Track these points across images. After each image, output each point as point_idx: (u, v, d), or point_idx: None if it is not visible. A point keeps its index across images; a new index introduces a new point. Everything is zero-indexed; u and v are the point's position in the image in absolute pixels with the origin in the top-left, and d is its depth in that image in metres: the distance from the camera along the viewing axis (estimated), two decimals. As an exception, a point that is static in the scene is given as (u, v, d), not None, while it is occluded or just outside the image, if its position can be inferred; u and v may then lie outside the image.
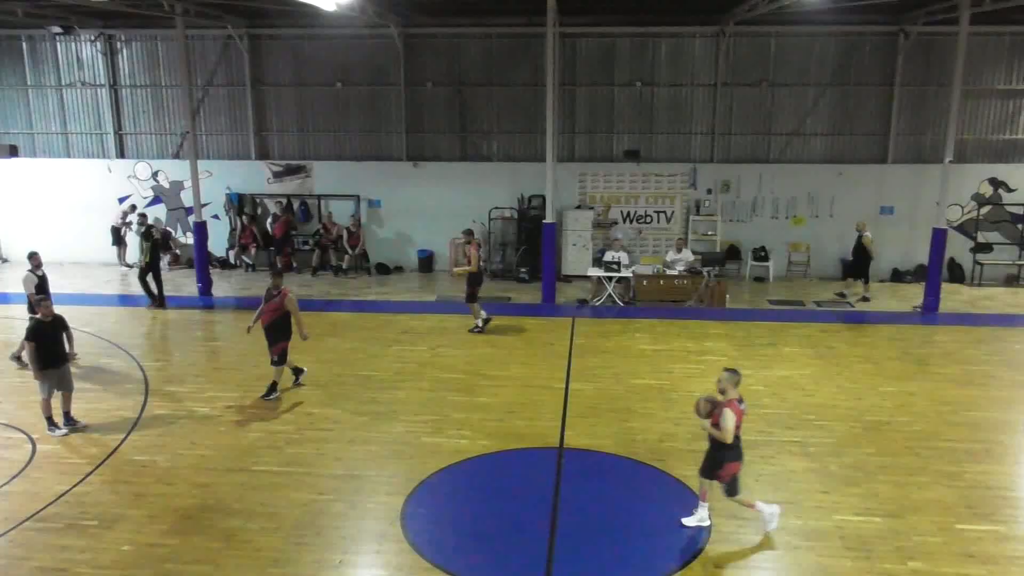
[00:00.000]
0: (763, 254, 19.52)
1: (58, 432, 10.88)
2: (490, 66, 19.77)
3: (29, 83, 21.16)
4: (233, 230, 20.77)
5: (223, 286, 18.54)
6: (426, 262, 20.42)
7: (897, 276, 19.43)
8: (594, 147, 19.91)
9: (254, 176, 20.65)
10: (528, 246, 19.03)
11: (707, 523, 8.43)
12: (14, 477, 9.77)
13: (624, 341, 14.80)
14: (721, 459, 8.17)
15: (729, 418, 7.97)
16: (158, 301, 17.01)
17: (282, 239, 20.21)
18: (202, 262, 18.11)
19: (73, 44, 20.74)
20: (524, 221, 19.32)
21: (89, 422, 11.25)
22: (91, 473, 9.87)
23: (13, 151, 21.14)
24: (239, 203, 20.72)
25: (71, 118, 21.29)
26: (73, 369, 11.35)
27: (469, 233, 15.52)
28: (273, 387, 12.13)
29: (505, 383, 12.72)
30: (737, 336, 15.07)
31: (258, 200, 20.88)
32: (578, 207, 19.57)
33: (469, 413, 11.53)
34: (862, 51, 19.06)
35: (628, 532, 8.41)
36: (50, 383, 10.82)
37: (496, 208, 19.85)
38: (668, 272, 17.61)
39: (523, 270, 19.32)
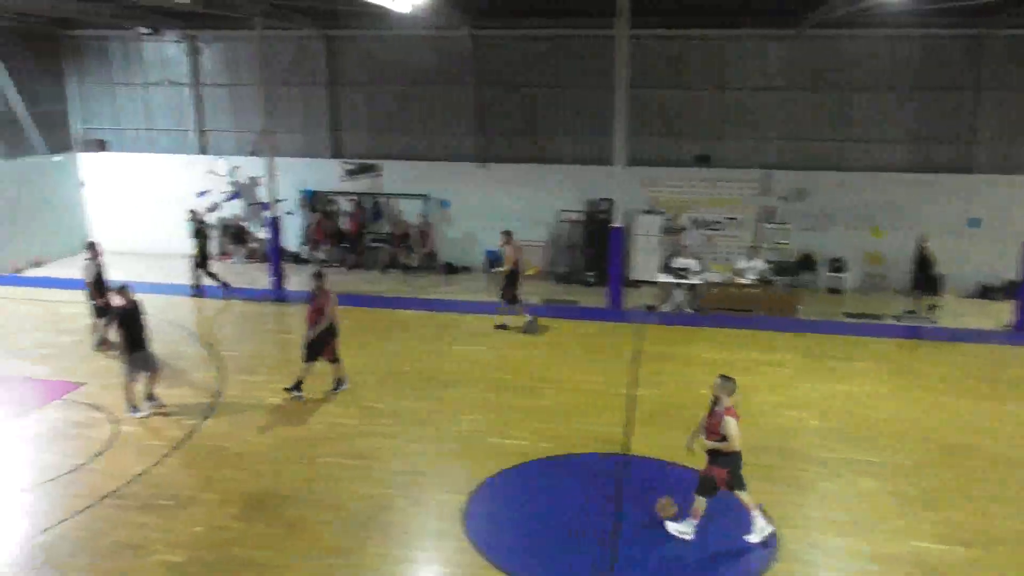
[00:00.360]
0: (839, 264, 19.02)
1: (138, 414, 11.32)
2: (559, 68, 19.76)
3: (117, 82, 22.02)
4: (307, 226, 21.25)
5: (295, 280, 18.98)
6: (492, 262, 20.53)
7: (985, 292, 18.56)
8: (664, 151, 19.72)
9: (328, 174, 21.07)
10: (595, 249, 18.96)
11: (688, 536, 8.32)
12: (97, 456, 10.21)
13: (691, 349, 14.62)
14: (717, 464, 8.11)
15: (732, 424, 7.92)
16: (222, 285, 17.80)
17: (356, 237, 20.62)
18: (276, 257, 18.58)
19: (159, 45, 21.51)
20: (592, 224, 19.26)
21: (167, 406, 11.67)
22: (167, 455, 10.23)
23: (102, 146, 22.11)
24: (312, 200, 21.19)
25: (156, 115, 22.08)
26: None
27: (507, 234, 15.63)
28: (339, 382, 12.37)
29: (568, 386, 12.71)
30: (808, 348, 14.71)
31: (331, 197, 21.31)
32: (647, 212, 19.42)
33: (531, 415, 11.55)
34: (944, 54, 18.39)
35: (689, 545, 8.31)
36: (135, 366, 11.30)
37: (564, 210, 19.84)
38: (738, 280, 17.33)
39: (590, 274, 19.26)
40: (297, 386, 12.05)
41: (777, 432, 11.05)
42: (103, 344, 13.94)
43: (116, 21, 19.59)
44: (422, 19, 17.04)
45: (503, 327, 15.59)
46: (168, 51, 21.54)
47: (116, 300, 11.46)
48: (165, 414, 11.44)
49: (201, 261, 17.80)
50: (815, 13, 16.40)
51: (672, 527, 8.43)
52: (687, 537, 8.31)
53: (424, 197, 20.64)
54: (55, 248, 20.88)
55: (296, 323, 16.43)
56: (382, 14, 15.98)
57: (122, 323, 11.18)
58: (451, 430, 11.10)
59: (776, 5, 17.39)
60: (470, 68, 20.09)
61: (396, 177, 20.80)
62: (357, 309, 16.96)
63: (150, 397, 11.61)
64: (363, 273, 20.14)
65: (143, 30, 19.94)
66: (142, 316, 11.44)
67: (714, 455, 8.15)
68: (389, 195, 20.94)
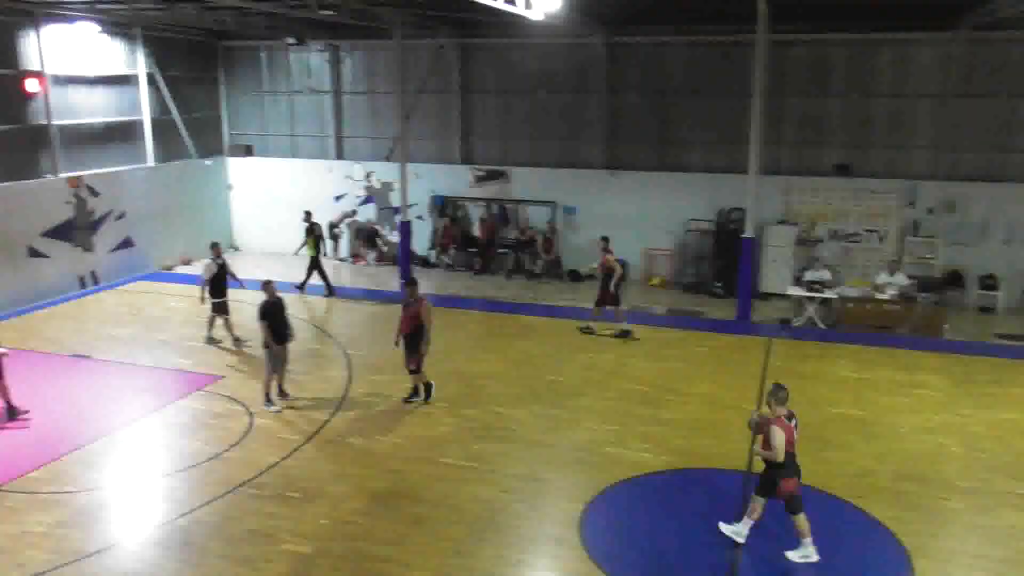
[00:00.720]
0: (991, 282, 17.69)
1: (273, 408, 11.85)
2: (693, 74, 19.36)
3: (264, 90, 23.25)
4: (435, 231, 21.73)
5: (423, 284, 19.30)
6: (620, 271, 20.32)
7: None
8: (801, 160, 18.95)
9: (458, 179, 21.47)
10: (724, 260, 18.44)
11: (741, 540, 8.20)
12: (233, 446, 10.74)
13: (824, 366, 13.95)
14: (774, 477, 7.92)
15: (777, 435, 7.77)
16: (328, 289, 18.49)
17: (487, 242, 20.92)
18: (405, 260, 19.09)
19: (303, 55, 22.56)
20: (721, 234, 18.74)
21: (299, 401, 12.16)
22: (298, 449, 10.65)
23: (248, 151, 23.38)
24: (442, 205, 21.65)
25: (299, 122, 23.17)
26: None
27: (605, 240, 15.79)
28: (420, 391, 12.22)
29: (692, 399, 12.39)
30: (955, 371, 13.74)
31: (460, 203, 21.70)
32: (780, 222, 18.71)
33: (653, 427, 11.33)
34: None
35: (816, 571, 7.90)
36: (275, 361, 11.85)
37: (693, 220, 19.41)
38: (878, 296, 16.41)
39: (718, 284, 18.75)
40: (420, 392, 12.20)
41: (917, 458, 10.38)
42: (220, 340, 14.82)
43: (268, 32, 20.72)
44: (555, 27, 17.10)
45: (588, 330, 15.61)
46: (312, 60, 22.55)
47: (262, 294, 12.00)
48: (297, 408, 11.92)
49: (314, 261, 18.52)
50: (974, 14, 15.35)
51: (726, 528, 8.35)
52: (740, 539, 8.21)
53: (551, 204, 20.69)
54: (202, 247, 22.14)
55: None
56: (516, 23, 16.15)
57: (265, 317, 11.75)
58: (571, 438, 11.03)
59: (930, 8, 16.38)
60: (602, 75, 20.00)
61: (524, 183, 20.96)
62: (482, 313, 17.19)
63: (282, 392, 12.12)
64: (489, 278, 20.38)
65: (290, 40, 21.04)
66: (285, 312, 12.00)
67: (776, 465, 7.91)
68: (517, 201, 21.12)
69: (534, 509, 9.15)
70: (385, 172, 21.91)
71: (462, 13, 17.53)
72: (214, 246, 15.02)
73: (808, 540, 7.98)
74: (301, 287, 18.55)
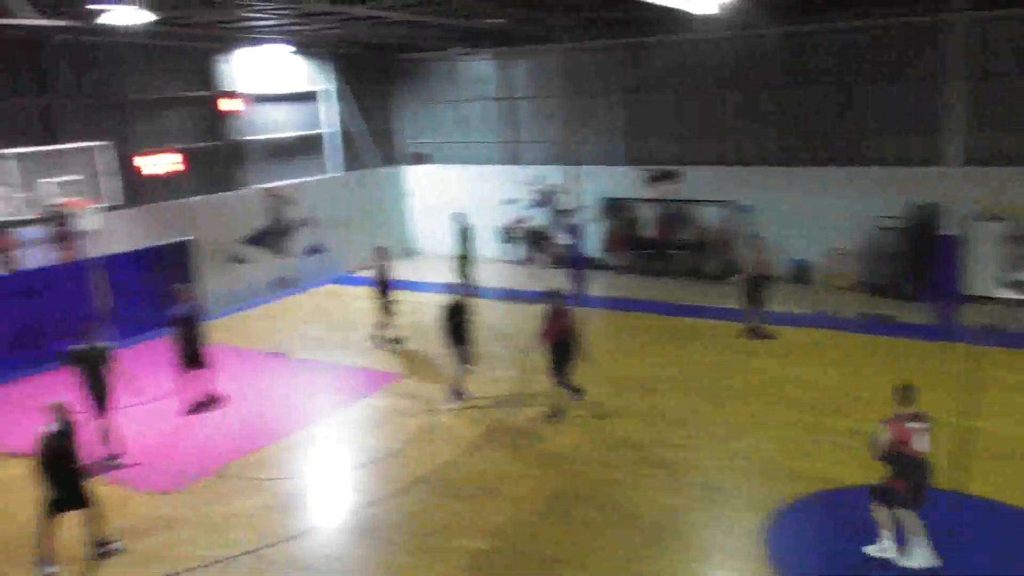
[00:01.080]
0: None
1: (454, 405, 12.20)
2: (878, 61, 18.06)
3: (438, 99, 24.05)
4: (605, 233, 21.61)
5: (593, 286, 19.36)
6: (800, 272, 19.36)
7: None
8: (1011, 148, 17.21)
9: (628, 181, 21.26)
10: (918, 260, 17.08)
11: (889, 555, 7.82)
12: (414, 442, 11.15)
13: (1037, 376, 12.61)
14: (890, 475, 7.77)
15: (881, 432, 7.73)
16: (472, 285, 18.91)
17: (661, 243, 20.60)
18: (576, 263, 19.09)
19: (473, 63, 23.14)
20: (914, 231, 17.37)
21: (479, 400, 12.44)
22: (476, 447, 10.89)
23: (424, 159, 24.29)
24: (612, 207, 21.50)
25: (471, 128, 23.79)
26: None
27: (756, 238, 15.87)
28: (577, 392, 11.96)
29: (884, 410, 11.53)
30: None
31: (630, 204, 21.48)
32: (991, 218, 17.03)
33: (841, 438, 10.65)
34: None
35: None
36: (461, 359, 12.23)
37: (881, 216, 18.14)
38: (1102, 298, 14.67)
39: (910, 286, 17.40)
40: (578, 392, 11.96)
41: None
42: (387, 340, 15.42)
43: (440, 43, 21.45)
44: (727, 20, 16.55)
45: (754, 333, 15.05)
46: (481, 69, 23.09)
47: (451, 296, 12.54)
48: (477, 407, 12.19)
49: (465, 261, 19.09)
50: None
51: (871, 549, 7.97)
52: (889, 555, 7.82)
53: (726, 203, 20.04)
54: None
55: (591, 328, 16.78)
56: (686, 18, 15.79)
57: (452, 318, 12.26)
58: (750, 446, 10.59)
59: None
60: (777, 67, 19.15)
61: (697, 183, 20.42)
62: (655, 316, 16.89)
63: (458, 391, 12.44)
64: (661, 280, 20.01)
65: (460, 51, 21.65)
66: (468, 314, 12.36)
67: (891, 468, 7.78)
68: (690, 201, 20.63)
69: (714, 518, 8.86)
70: (555, 175, 22.06)
71: (630, 12, 17.34)
72: (380, 250, 15.71)
73: (888, 535, 7.84)
74: (453, 287, 19.08)
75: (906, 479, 7.63)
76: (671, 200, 20.79)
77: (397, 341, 15.44)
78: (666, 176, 20.72)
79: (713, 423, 11.36)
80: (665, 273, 20.43)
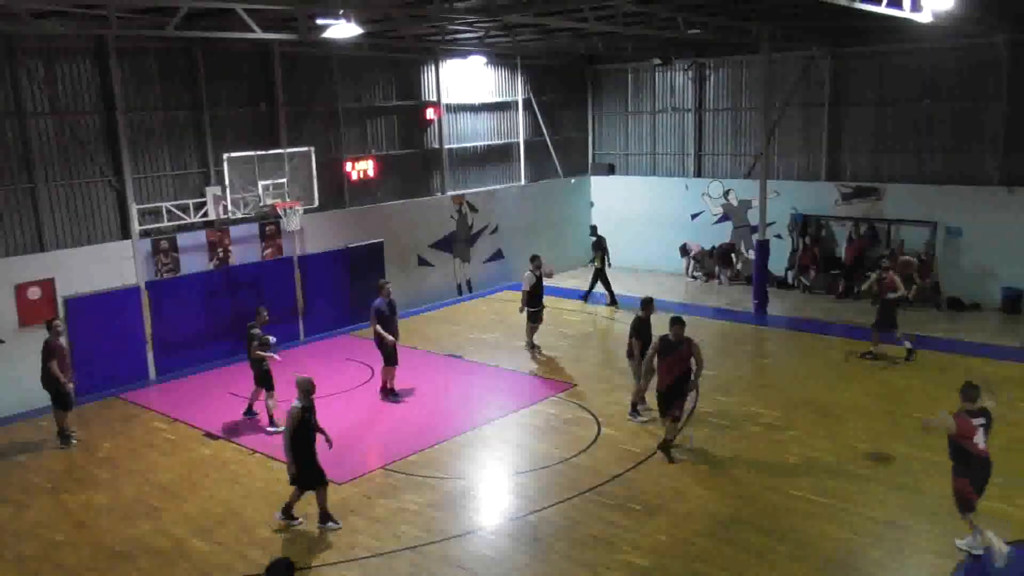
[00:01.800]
0: None
1: (639, 419, 12.10)
2: None
3: (629, 110, 24.01)
4: (794, 251, 20.67)
5: (778, 305, 18.57)
6: (1012, 301, 17.57)
7: None
8: None
9: (821, 197, 20.22)
10: None
11: (977, 551, 8.04)
12: (581, 452, 11.19)
13: None
14: (954, 472, 8.14)
15: (949, 421, 7.98)
16: (610, 299, 19.01)
17: (853, 264, 19.41)
18: (760, 280, 18.39)
19: (668, 73, 22.90)
20: None
21: (649, 415, 12.25)
22: (643, 462, 10.77)
23: (610, 169, 24.33)
24: (803, 224, 20.54)
25: (659, 140, 23.56)
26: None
27: (892, 258, 15.69)
28: (669, 446, 10.93)
29: (1109, 460, 10.26)
30: None
31: (823, 222, 20.42)
32: None
33: (1053, 487, 9.59)
34: None
35: None
36: (639, 373, 12.20)
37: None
38: None
39: None
40: (665, 448, 10.96)
41: None
42: (531, 346, 15.69)
43: (635, 54, 21.45)
44: (945, 28, 15.37)
45: (870, 355, 14.54)
46: (675, 79, 22.81)
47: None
48: (646, 423, 12.04)
49: (599, 273, 19.14)
50: None
51: (960, 543, 8.31)
52: (976, 552, 8.07)
53: (931, 224, 18.58)
54: (564, 260, 23.42)
55: (773, 348, 16.13)
56: (898, 26, 14.83)
57: (636, 332, 12.29)
58: (943, 484, 9.72)
59: None
60: (1002, 78, 17.53)
61: (899, 201, 19.08)
62: (842, 340, 15.97)
63: (634, 406, 12.31)
64: (852, 303, 18.85)
65: (656, 61, 21.52)
66: (650, 328, 12.31)
67: (957, 465, 8.11)
68: (890, 221, 19.30)
69: (894, 559, 8.26)
70: (743, 189, 21.39)
71: (836, 21, 16.50)
72: (534, 259, 15.86)
73: (975, 537, 8.05)
74: (585, 298, 19.57)
75: (971, 479, 7.96)
76: (869, 219, 19.56)
77: (534, 347, 15.72)
78: (862, 193, 19.52)
79: (901, 456, 10.58)
80: (858, 295, 19.20)
